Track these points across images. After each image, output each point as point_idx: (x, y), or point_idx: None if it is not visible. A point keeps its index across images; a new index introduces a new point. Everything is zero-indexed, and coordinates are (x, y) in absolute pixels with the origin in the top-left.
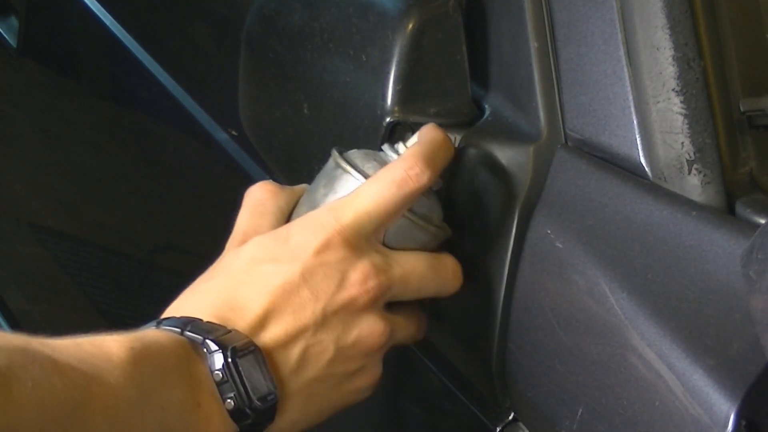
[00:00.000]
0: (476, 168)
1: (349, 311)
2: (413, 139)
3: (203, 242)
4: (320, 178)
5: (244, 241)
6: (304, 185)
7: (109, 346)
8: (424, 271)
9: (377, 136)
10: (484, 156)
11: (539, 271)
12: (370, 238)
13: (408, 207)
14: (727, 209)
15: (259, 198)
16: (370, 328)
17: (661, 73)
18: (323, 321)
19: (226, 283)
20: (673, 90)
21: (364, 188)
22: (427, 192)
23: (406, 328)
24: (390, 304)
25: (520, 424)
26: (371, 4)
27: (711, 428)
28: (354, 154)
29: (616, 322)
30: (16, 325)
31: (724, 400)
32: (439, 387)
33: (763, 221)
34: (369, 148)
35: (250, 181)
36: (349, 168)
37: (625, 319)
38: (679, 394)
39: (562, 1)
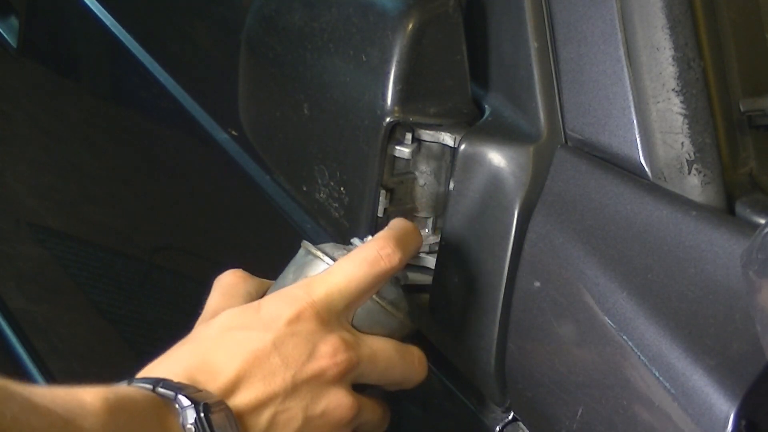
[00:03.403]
0: (476, 168)
1: (318, 382)
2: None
3: (203, 242)
4: (289, 267)
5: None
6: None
7: (82, 396)
8: (391, 355)
9: (377, 136)
10: (484, 156)
11: (539, 271)
12: (341, 315)
13: (378, 287)
14: (727, 209)
15: (230, 282)
16: (338, 401)
17: (661, 73)
18: (293, 389)
19: (197, 349)
20: (673, 90)
21: (336, 266)
22: (395, 282)
23: (373, 412)
24: (356, 390)
25: (520, 424)
26: (371, 4)
27: (711, 428)
28: (323, 245)
29: (616, 322)
30: (16, 325)
31: (724, 400)
32: (439, 387)
33: (763, 221)
34: (369, 151)
35: (250, 181)
36: (319, 254)
37: (625, 319)
38: (679, 394)
39: (562, 1)
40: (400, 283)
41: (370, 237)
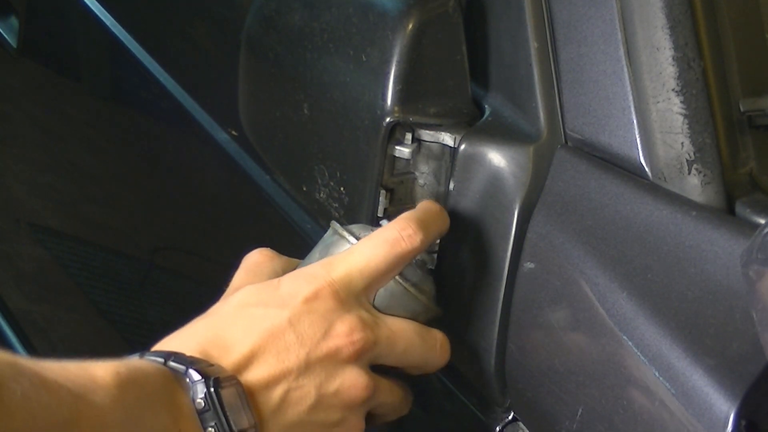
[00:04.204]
0: (476, 168)
1: (333, 360)
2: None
3: (203, 242)
4: (317, 246)
5: None
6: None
7: (94, 370)
8: (411, 337)
9: (377, 136)
10: (484, 156)
11: (539, 270)
12: (360, 295)
13: (400, 268)
14: (727, 209)
15: (256, 260)
16: (352, 380)
17: (661, 73)
18: (306, 366)
19: (213, 324)
20: (673, 90)
21: (357, 246)
22: (421, 264)
23: (391, 393)
24: (378, 372)
25: (520, 424)
26: (371, 4)
27: (711, 428)
28: (352, 225)
29: (616, 321)
30: (16, 325)
31: (724, 400)
32: (439, 387)
33: (763, 221)
34: (369, 151)
35: (250, 181)
36: (345, 234)
37: (625, 319)
38: (679, 394)
39: (562, 1)
40: (426, 266)
41: None
